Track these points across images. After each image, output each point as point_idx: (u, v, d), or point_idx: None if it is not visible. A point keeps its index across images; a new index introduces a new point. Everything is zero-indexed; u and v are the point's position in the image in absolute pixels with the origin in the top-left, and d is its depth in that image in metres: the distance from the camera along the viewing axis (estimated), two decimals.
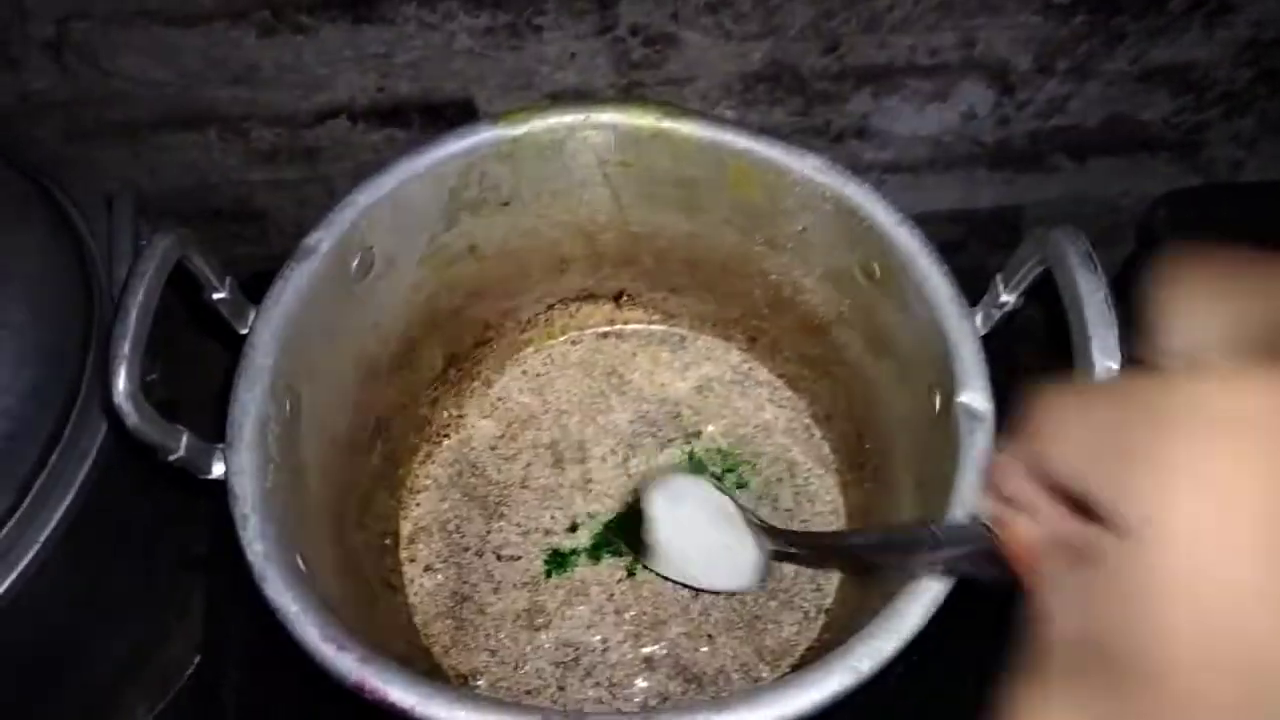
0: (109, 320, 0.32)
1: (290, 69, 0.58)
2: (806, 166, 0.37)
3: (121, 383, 0.29)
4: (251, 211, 0.68)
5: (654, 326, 0.48)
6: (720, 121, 0.38)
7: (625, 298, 0.48)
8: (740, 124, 0.38)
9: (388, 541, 0.44)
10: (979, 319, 0.35)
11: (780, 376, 0.47)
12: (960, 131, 0.64)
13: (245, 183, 0.66)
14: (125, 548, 0.49)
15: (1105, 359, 0.30)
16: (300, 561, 0.32)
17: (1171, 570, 0.14)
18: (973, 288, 0.82)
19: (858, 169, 0.67)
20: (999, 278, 0.35)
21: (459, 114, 0.62)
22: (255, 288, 0.40)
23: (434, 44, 0.57)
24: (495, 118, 0.39)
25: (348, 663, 0.29)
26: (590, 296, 0.48)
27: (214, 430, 0.36)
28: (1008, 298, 0.35)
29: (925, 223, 0.73)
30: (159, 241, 0.32)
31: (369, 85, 0.60)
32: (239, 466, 0.31)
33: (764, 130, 0.38)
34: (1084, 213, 0.70)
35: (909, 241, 0.36)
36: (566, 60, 0.58)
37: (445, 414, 0.47)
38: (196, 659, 0.56)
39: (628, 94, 0.61)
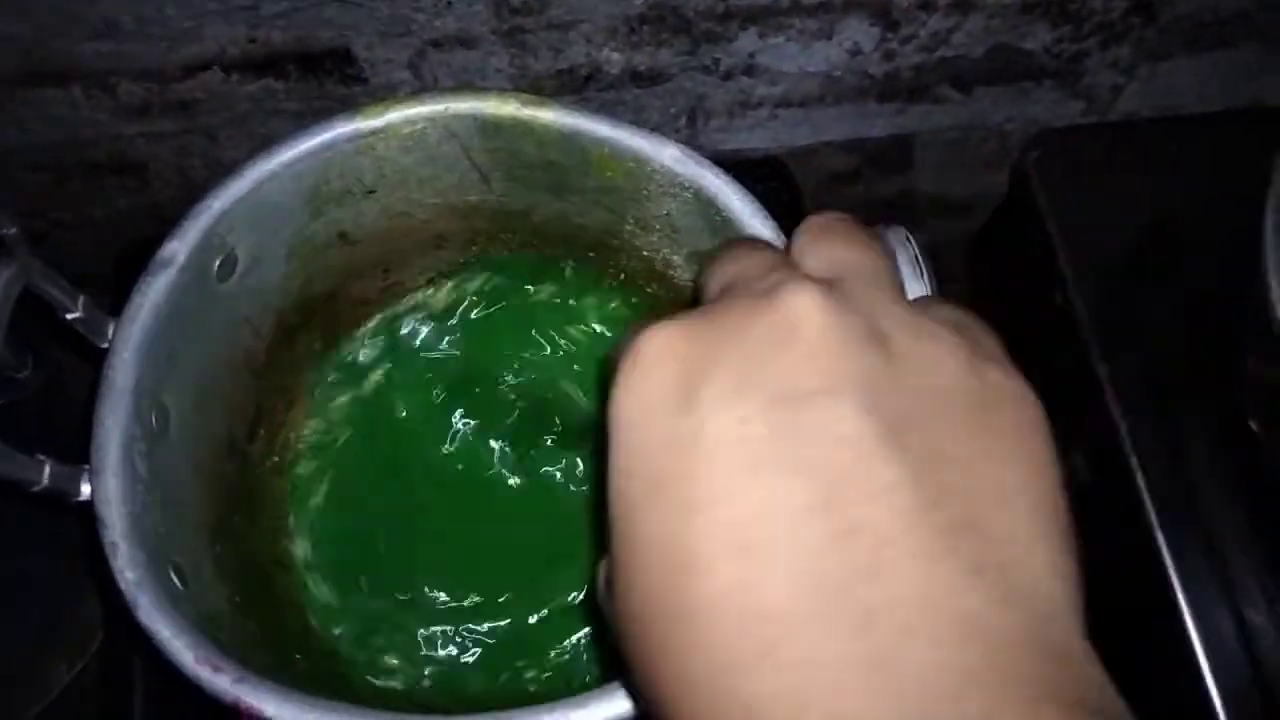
0: None
1: (153, 22, 0.55)
2: (665, 156, 0.38)
3: None
4: (130, 164, 0.66)
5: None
6: (580, 110, 0.38)
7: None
8: (599, 112, 0.38)
9: (279, 522, 0.45)
10: None
11: None
12: (848, 66, 0.64)
13: (120, 136, 0.63)
14: (23, 530, 0.50)
15: None
16: (175, 578, 0.33)
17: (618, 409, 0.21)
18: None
19: (749, 105, 0.68)
20: None
21: (337, 63, 0.60)
22: (138, 259, 0.39)
23: None
24: (352, 111, 0.38)
25: (223, 683, 0.30)
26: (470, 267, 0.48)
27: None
28: None
29: (820, 154, 0.74)
30: None
31: (239, 36, 0.57)
32: (105, 494, 0.32)
33: (635, 118, 0.38)
34: (972, 139, 0.72)
35: (763, 234, 0.36)
36: (444, 7, 0.56)
37: (327, 389, 0.47)
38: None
39: (511, 39, 0.59)
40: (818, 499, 0.18)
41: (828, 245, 0.23)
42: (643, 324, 0.21)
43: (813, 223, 0.24)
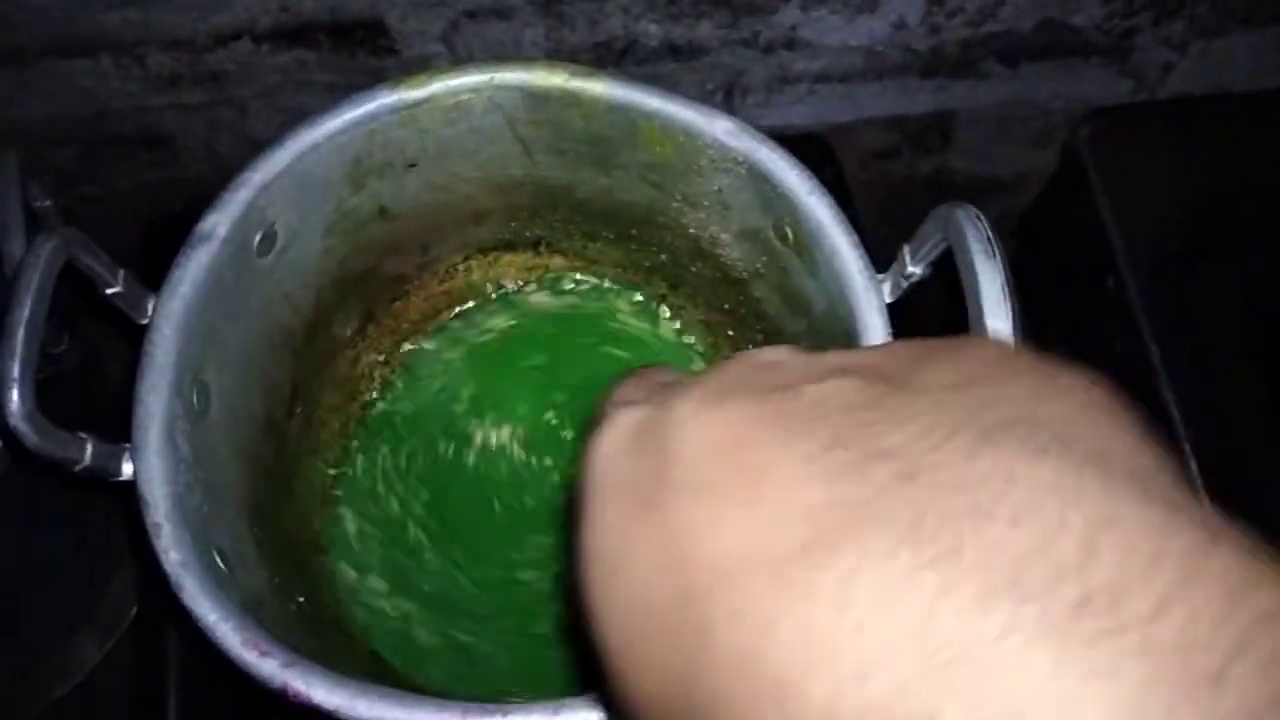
0: None
1: None
2: (718, 130, 0.36)
3: (15, 405, 0.28)
4: (159, 137, 0.65)
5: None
6: (630, 82, 0.37)
7: (544, 245, 0.47)
8: (650, 84, 0.37)
9: (317, 504, 0.44)
10: (886, 288, 0.35)
11: (702, 323, 0.47)
12: (891, 41, 0.63)
13: (149, 109, 0.62)
14: (53, 508, 0.49)
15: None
16: (218, 559, 0.32)
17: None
18: (904, 198, 0.81)
19: (789, 80, 0.66)
20: (906, 250, 0.35)
21: (369, 34, 0.59)
22: (165, 234, 0.39)
23: None
24: (396, 82, 0.37)
25: (271, 667, 0.29)
26: (509, 245, 0.47)
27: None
28: (914, 269, 0.35)
29: (859, 131, 0.72)
30: (42, 246, 0.30)
31: (271, 6, 0.56)
32: (148, 473, 0.31)
33: (674, 92, 0.37)
34: (1016, 117, 0.70)
35: (819, 209, 0.35)
36: None
37: (365, 370, 0.46)
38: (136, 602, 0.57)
39: (547, 10, 0.58)
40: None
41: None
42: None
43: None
